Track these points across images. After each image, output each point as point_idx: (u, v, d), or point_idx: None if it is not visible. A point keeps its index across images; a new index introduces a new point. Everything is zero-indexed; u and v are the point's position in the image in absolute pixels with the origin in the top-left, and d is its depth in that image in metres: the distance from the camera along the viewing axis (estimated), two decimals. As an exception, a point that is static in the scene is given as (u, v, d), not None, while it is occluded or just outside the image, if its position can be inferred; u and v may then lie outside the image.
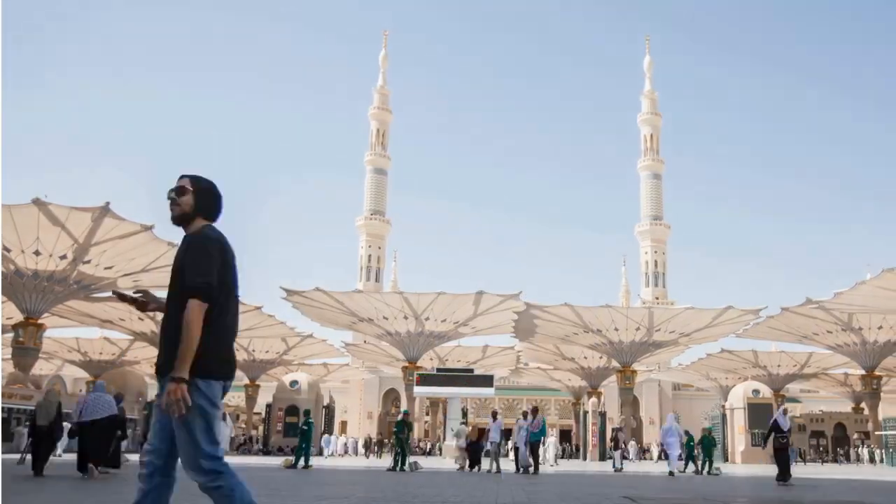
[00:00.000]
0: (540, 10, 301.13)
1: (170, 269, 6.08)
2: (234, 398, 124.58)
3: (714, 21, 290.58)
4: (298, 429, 41.64)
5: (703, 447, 40.81)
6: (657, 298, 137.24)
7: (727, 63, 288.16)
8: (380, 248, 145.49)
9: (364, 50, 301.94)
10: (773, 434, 28.99)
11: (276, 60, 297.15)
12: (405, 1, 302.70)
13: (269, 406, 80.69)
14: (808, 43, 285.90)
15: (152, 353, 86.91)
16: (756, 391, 77.71)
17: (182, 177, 6.24)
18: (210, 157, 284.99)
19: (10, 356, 66.44)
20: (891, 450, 74.92)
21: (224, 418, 32.19)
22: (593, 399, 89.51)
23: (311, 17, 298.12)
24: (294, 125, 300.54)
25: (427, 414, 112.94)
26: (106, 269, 59.04)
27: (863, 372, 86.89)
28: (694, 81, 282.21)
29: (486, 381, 75.04)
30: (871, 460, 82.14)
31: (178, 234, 6.16)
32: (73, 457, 25.85)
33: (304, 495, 16.85)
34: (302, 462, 36.31)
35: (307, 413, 43.30)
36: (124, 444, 27.61)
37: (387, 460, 50.84)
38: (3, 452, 38.45)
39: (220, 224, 6.28)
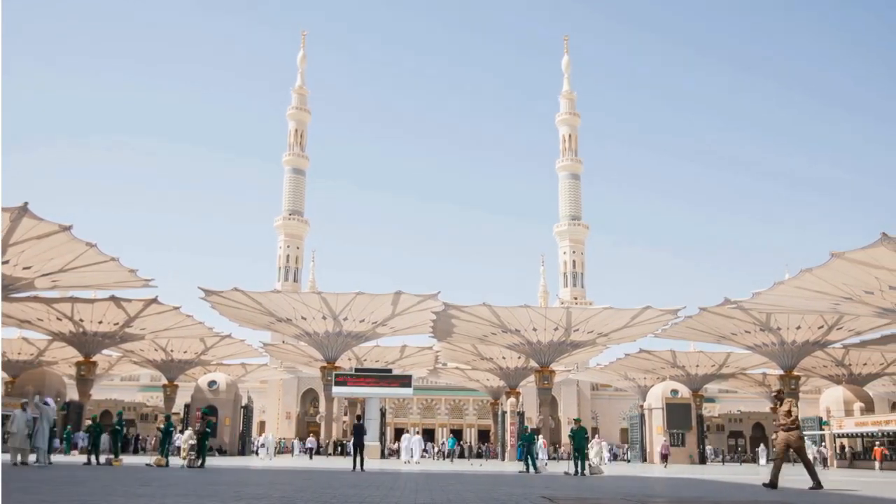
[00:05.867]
0: (459, 6, 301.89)
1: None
2: (153, 398, 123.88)
3: (633, 18, 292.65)
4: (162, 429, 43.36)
5: (574, 444, 38.56)
6: (576, 298, 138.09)
7: (645, 59, 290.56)
8: (298, 248, 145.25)
9: (284, 50, 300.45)
10: None
11: (194, 58, 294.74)
12: (325, 2, 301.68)
13: (187, 406, 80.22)
14: (727, 37, 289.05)
15: (71, 353, 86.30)
16: (674, 391, 78.48)
17: None
18: (126, 155, 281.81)
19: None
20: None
21: None
22: (512, 399, 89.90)
23: (231, 15, 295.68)
24: (210, 123, 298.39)
25: (345, 414, 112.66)
26: (24, 269, 58.19)
27: (781, 372, 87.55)
28: (612, 81, 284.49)
29: (405, 381, 75.31)
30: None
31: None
32: None
33: (223, 495, 16.78)
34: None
35: (168, 418, 44.30)
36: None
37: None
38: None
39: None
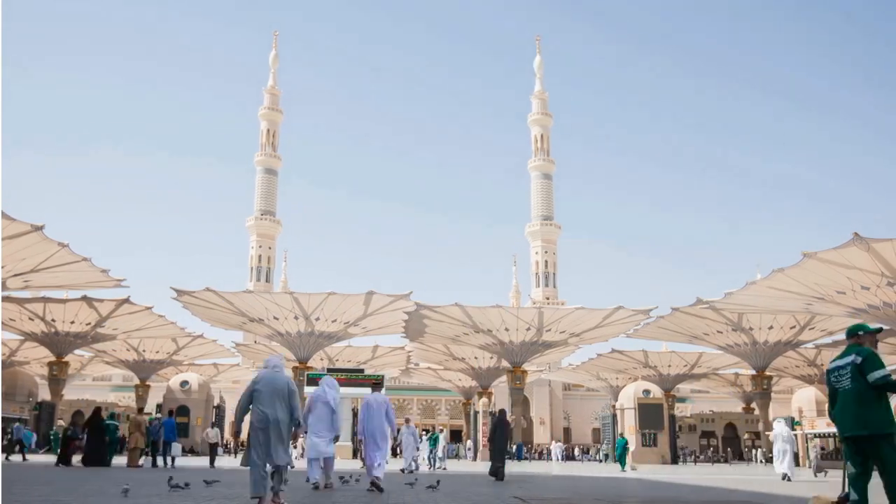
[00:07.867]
0: (431, 6, 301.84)
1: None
2: (124, 399, 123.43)
3: (605, 18, 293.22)
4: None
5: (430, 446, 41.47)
6: (548, 298, 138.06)
7: (618, 60, 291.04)
8: (270, 248, 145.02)
9: (255, 50, 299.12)
10: None
11: (165, 56, 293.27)
12: (296, 1, 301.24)
13: (159, 407, 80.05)
14: (699, 37, 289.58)
15: (43, 353, 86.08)
16: (646, 391, 78.53)
17: None
18: (96, 155, 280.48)
19: None
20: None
21: None
22: (484, 399, 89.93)
23: (202, 15, 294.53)
24: (182, 122, 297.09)
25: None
26: (-4, 269, 58.07)
27: (753, 372, 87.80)
28: (585, 80, 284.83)
29: (377, 381, 75.02)
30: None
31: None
32: None
33: (196, 495, 16.72)
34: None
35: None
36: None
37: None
38: None
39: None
